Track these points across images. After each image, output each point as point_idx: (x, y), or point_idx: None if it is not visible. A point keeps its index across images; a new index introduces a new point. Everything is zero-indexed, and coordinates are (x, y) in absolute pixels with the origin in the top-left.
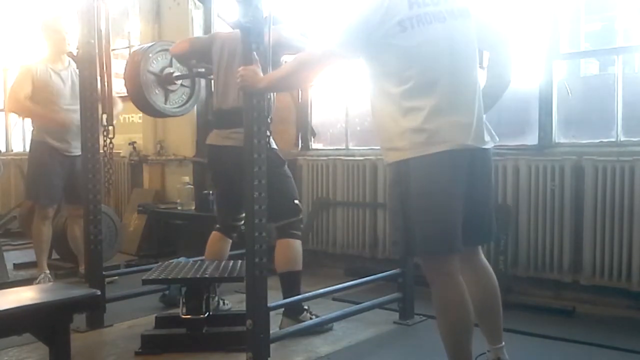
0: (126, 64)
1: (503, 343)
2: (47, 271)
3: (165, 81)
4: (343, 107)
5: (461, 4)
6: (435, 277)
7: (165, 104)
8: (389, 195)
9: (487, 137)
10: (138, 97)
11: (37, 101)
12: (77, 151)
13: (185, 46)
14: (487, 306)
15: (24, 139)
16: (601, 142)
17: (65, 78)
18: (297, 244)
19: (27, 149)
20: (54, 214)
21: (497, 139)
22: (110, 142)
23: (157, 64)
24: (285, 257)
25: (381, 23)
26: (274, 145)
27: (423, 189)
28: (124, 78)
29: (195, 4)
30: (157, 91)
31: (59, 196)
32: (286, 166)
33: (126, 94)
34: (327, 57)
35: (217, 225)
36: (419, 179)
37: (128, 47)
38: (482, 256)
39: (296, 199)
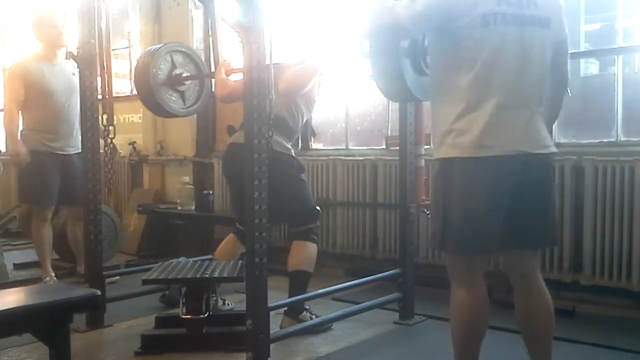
0: (135, 81)
1: None
2: (52, 273)
3: (175, 83)
4: (343, 107)
5: (544, 14)
6: (456, 274)
7: (185, 104)
8: (431, 188)
9: (545, 142)
10: (160, 110)
11: (31, 100)
12: (72, 150)
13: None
14: (534, 334)
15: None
16: (601, 142)
17: (60, 73)
18: (314, 247)
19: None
20: (52, 215)
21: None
22: (111, 142)
23: (162, 72)
24: (300, 257)
25: (466, 12)
26: (292, 154)
27: (464, 189)
28: (138, 94)
29: (195, 4)
30: (173, 98)
31: (56, 197)
32: (303, 173)
33: (129, 94)
34: (399, 24)
35: (234, 229)
36: (462, 180)
37: (128, 47)
38: (539, 275)
39: (317, 206)
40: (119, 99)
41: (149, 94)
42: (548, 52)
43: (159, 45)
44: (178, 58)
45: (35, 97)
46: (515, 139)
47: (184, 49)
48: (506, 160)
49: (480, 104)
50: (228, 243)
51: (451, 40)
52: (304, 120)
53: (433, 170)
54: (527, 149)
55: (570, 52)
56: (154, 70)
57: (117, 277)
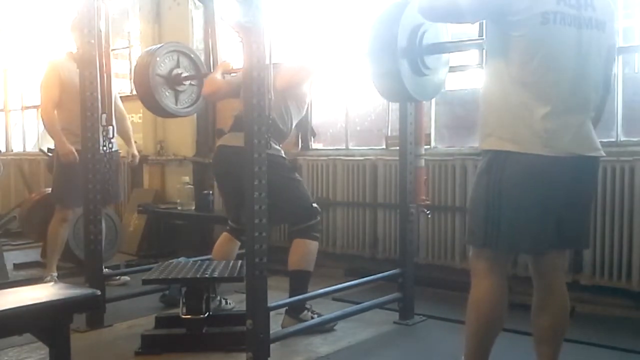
0: (135, 68)
1: None
2: (55, 273)
3: (174, 82)
4: (343, 107)
5: (601, 17)
6: (485, 270)
7: (176, 104)
8: (474, 184)
9: (596, 145)
10: (149, 100)
11: (66, 99)
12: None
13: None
14: (543, 336)
15: (23, 139)
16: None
17: None
18: (314, 245)
19: (27, 149)
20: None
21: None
22: (110, 142)
23: (165, 66)
24: (300, 256)
25: (527, 9)
26: (282, 154)
27: (517, 185)
28: (134, 82)
29: (195, 4)
30: (167, 93)
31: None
32: (296, 172)
33: (129, 94)
34: (456, 5)
35: (227, 227)
36: (514, 175)
37: (128, 47)
38: (563, 277)
39: (314, 202)
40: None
41: (145, 78)
42: (603, 56)
43: (171, 42)
44: (184, 61)
45: (70, 96)
46: (570, 141)
47: (192, 55)
48: (562, 162)
49: (537, 102)
50: (223, 242)
51: (507, 33)
52: (294, 122)
53: (481, 163)
54: (581, 151)
55: None
56: (158, 59)
57: (128, 278)
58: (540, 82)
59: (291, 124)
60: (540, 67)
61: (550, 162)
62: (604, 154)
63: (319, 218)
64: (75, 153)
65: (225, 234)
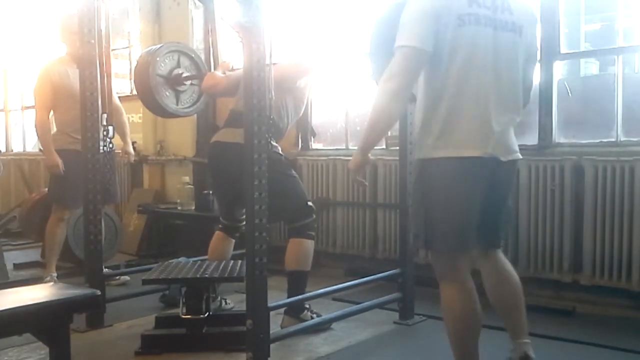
0: (135, 68)
1: (528, 340)
2: (55, 273)
3: (174, 82)
4: (343, 107)
5: (517, 21)
6: (444, 273)
7: (177, 105)
8: (412, 190)
9: (513, 149)
10: (150, 101)
11: (59, 103)
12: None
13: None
14: (510, 304)
15: (23, 139)
16: (601, 142)
17: None
18: (310, 244)
19: (27, 149)
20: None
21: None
22: (110, 142)
23: (165, 66)
24: (297, 256)
25: (446, 13)
26: (279, 151)
27: (441, 189)
28: (134, 82)
29: (195, 4)
30: (167, 93)
31: (80, 199)
32: (292, 169)
33: (129, 94)
34: (407, 57)
35: (220, 225)
36: (439, 179)
37: (128, 47)
38: (503, 258)
39: (309, 200)
40: (118, 99)
41: (145, 78)
42: (520, 59)
43: (172, 42)
44: (185, 61)
45: (63, 100)
46: (489, 143)
47: (193, 55)
48: (482, 162)
49: (456, 106)
50: (218, 242)
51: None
52: (291, 121)
53: (413, 173)
54: (499, 155)
55: (570, 52)
56: (158, 59)
57: (128, 278)
58: (457, 86)
59: (288, 121)
60: (459, 69)
61: (471, 164)
62: (520, 157)
63: (314, 216)
64: (61, 166)
65: (218, 232)
